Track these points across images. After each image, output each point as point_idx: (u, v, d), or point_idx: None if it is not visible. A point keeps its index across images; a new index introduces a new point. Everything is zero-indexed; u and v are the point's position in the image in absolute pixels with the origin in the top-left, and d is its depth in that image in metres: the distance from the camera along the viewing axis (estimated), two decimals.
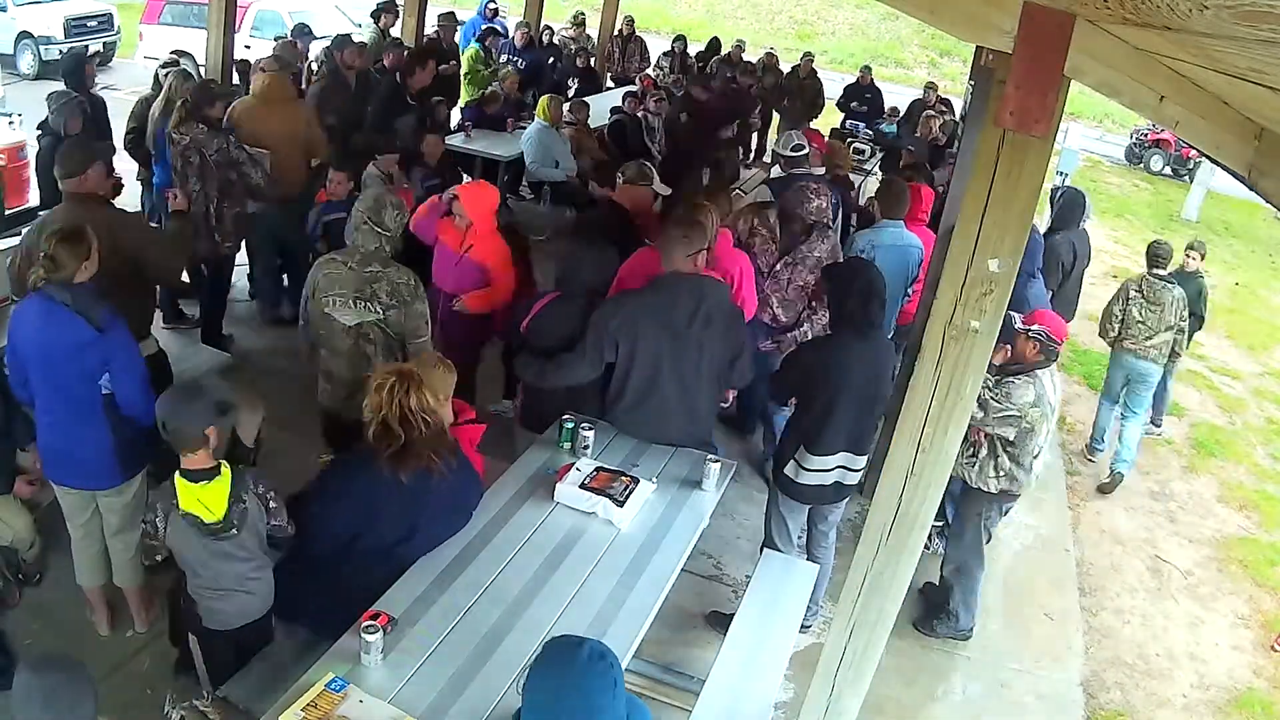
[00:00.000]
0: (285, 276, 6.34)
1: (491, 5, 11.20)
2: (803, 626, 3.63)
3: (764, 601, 3.63)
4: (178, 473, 2.69)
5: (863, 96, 11.85)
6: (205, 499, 2.68)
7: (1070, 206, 6.01)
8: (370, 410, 2.89)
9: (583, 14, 12.55)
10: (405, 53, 7.78)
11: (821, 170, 6.02)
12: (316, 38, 8.55)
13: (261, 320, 6.20)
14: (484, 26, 10.66)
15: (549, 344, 3.79)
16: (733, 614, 3.55)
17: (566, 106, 8.20)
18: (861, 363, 3.74)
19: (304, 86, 6.97)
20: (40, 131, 5.63)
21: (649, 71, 11.80)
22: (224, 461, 2.76)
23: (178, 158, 5.19)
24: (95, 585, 3.61)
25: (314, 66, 7.90)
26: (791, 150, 5.67)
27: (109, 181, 4.09)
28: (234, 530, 2.76)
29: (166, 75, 5.89)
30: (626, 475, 3.41)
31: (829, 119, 12.09)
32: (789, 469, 3.86)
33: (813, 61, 11.94)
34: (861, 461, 3.89)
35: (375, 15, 9.04)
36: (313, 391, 4.10)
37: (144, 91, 6.49)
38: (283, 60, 6.39)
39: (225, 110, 5.48)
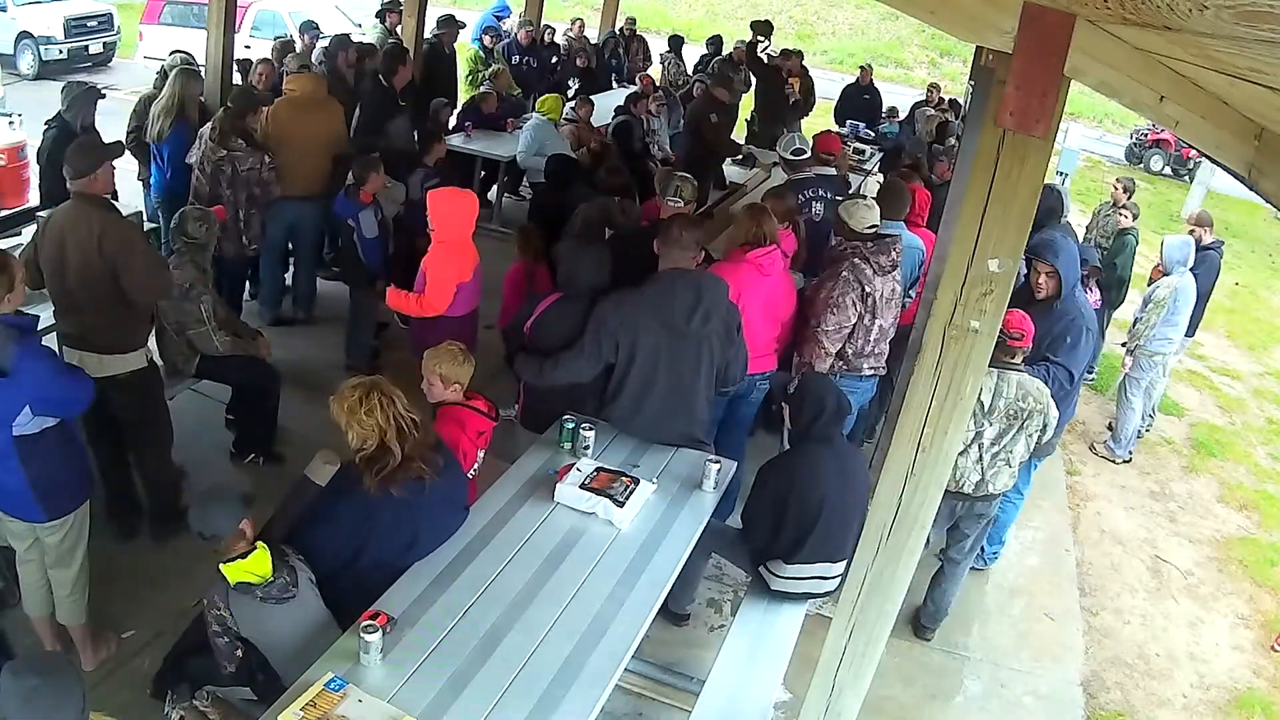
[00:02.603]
0: (288, 276, 6.36)
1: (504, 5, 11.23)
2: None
3: (764, 602, 3.63)
4: (220, 565, 2.67)
5: (862, 96, 11.84)
6: (249, 566, 2.65)
7: (1049, 205, 6.02)
8: (363, 435, 2.83)
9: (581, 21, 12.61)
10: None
11: (832, 171, 5.98)
12: (323, 35, 8.55)
13: (263, 320, 6.20)
14: (486, 26, 10.66)
15: (552, 344, 3.77)
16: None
17: (569, 105, 8.20)
18: (834, 474, 3.53)
19: None
20: (47, 126, 5.61)
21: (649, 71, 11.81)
22: (257, 542, 2.73)
23: (209, 164, 5.31)
24: (42, 615, 3.51)
25: (313, 63, 7.88)
26: (792, 153, 5.65)
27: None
28: (293, 588, 2.72)
29: (173, 73, 5.89)
30: (627, 475, 3.41)
31: (823, 119, 12.06)
32: (760, 569, 3.69)
33: (802, 59, 11.88)
34: (839, 569, 3.60)
35: (381, 15, 9.05)
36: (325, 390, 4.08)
37: (145, 90, 6.49)
38: (303, 58, 6.45)
39: (259, 120, 5.61)
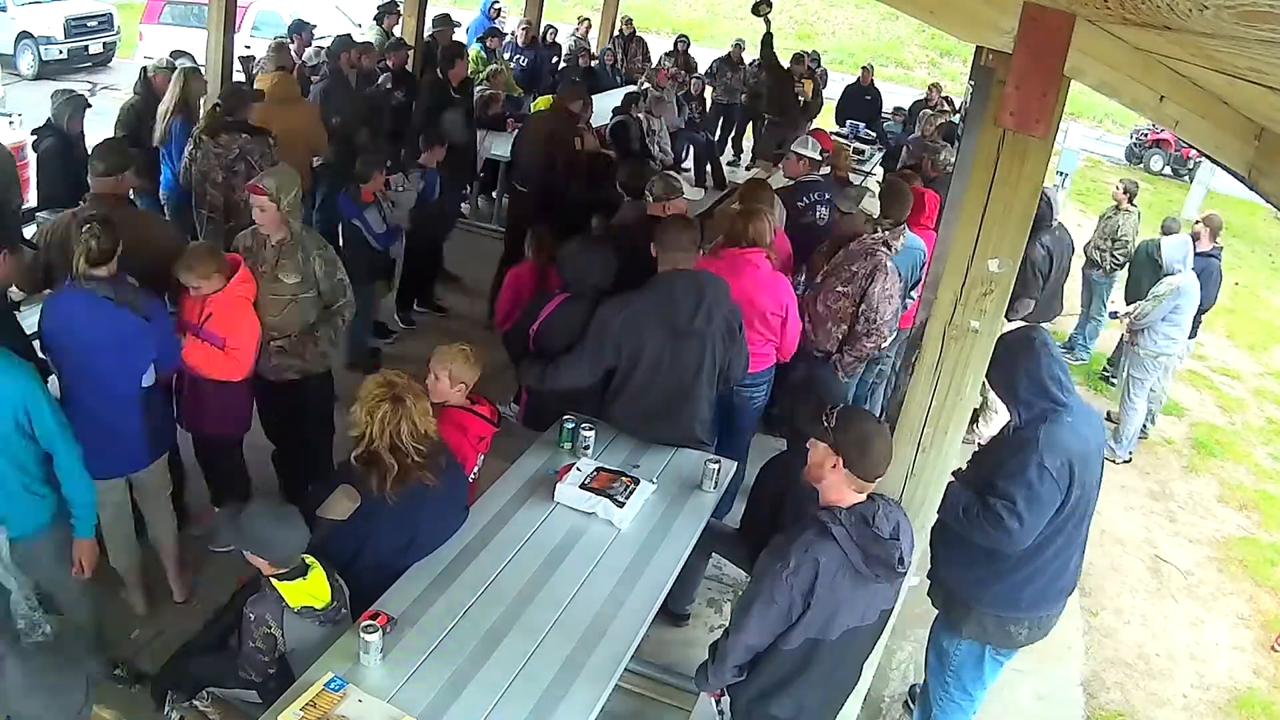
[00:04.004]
0: None
1: (495, 5, 11.20)
2: None
3: None
4: (272, 579, 2.63)
5: (863, 97, 11.84)
6: (310, 590, 2.64)
7: (1037, 212, 6.04)
8: (357, 428, 2.83)
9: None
10: (410, 51, 7.82)
11: (826, 170, 5.98)
12: (314, 34, 8.54)
13: None
14: (488, 26, 10.65)
15: (558, 346, 3.76)
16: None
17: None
18: None
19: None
20: (37, 137, 5.61)
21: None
22: (303, 555, 2.69)
23: (218, 169, 5.17)
24: (132, 563, 3.71)
25: (307, 62, 7.88)
26: (819, 155, 5.62)
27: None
28: (344, 609, 2.73)
29: (178, 73, 5.87)
30: (627, 475, 3.41)
31: (824, 119, 12.07)
32: None
33: (818, 62, 11.92)
34: None
35: (379, 17, 9.05)
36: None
37: (128, 95, 6.43)
38: (281, 59, 6.44)
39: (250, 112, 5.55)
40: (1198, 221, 6.88)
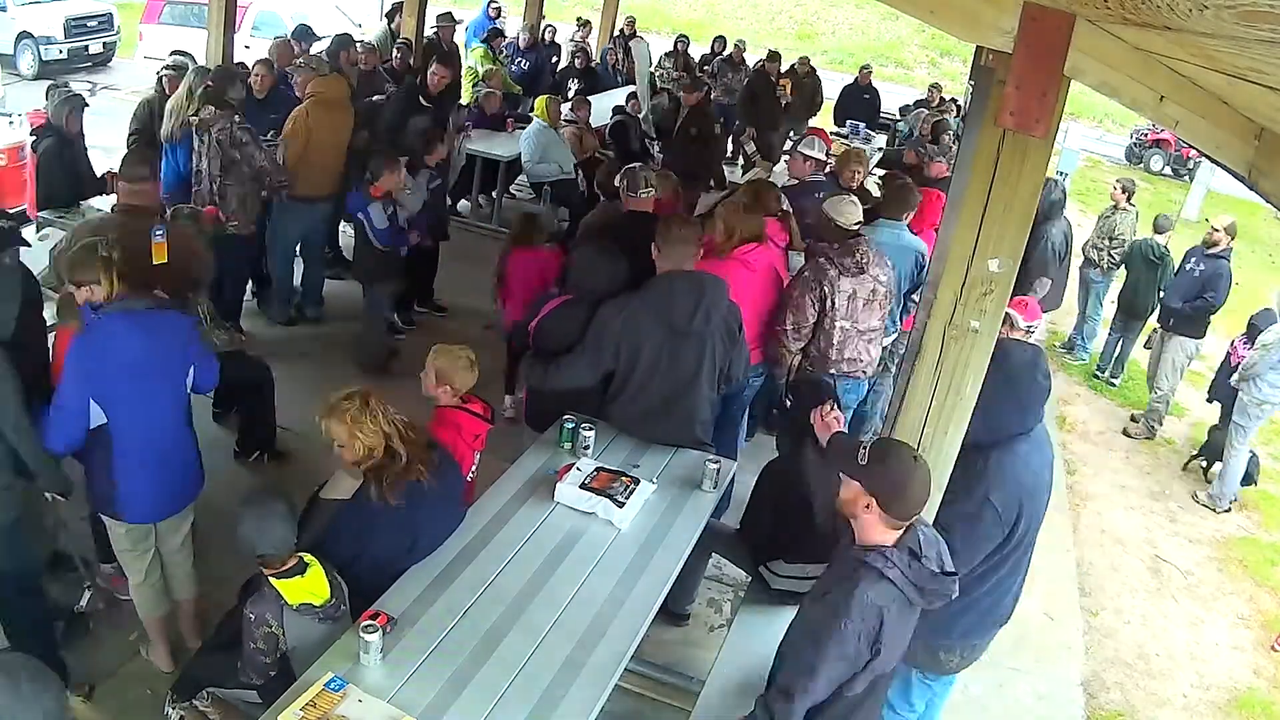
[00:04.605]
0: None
1: (495, 4, 11.23)
2: None
3: (764, 602, 3.63)
4: (271, 577, 2.64)
5: (862, 97, 11.86)
6: (309, 587, 2.65)
7: (1053, 198, 6.09)
8: (370, 444, 2.82)
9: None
10: (411, 53, 7.84)
11: (828, 173, 5.98)
12: (318, 38, 8.55)
13: (270, 319, 6.20)
14: (489, 27, 10.68)
15: (554, 347, 3.76)
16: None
17: (567, 105, 8.21)
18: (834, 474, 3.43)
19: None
20: (36, 137, 5.61)
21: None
22: (301, 553, 2.71)
23: (194, 140, 5.29)
24: (159, 615, 3.47)
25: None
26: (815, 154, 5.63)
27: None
28: (344, 606, 2.74)
29: (190, 73, 5.87)
30: (627, 475, 3.41)
31: (823, 119, 12.08)
32: (761, 569, 3.65)
33: (809, 60, 11.94)
34: None
35: (389, 15, 9.10)
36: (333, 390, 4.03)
37: (146, 93, 6.47)
38: (330, 64, 6.52)
39: (242, 92, 5.62)
40: (1217, 230, 6.59)
